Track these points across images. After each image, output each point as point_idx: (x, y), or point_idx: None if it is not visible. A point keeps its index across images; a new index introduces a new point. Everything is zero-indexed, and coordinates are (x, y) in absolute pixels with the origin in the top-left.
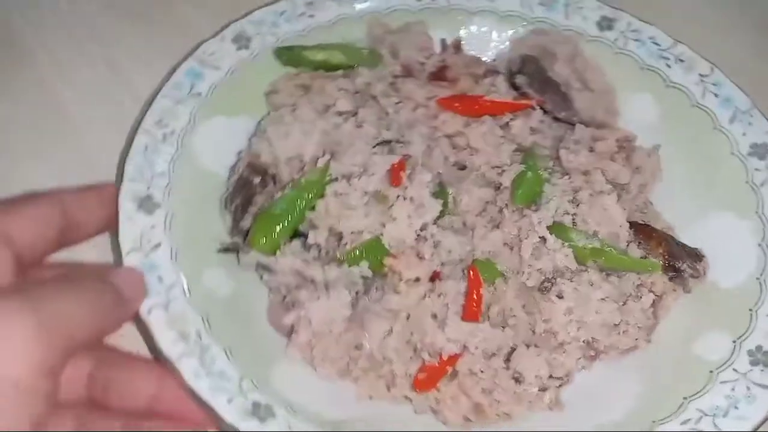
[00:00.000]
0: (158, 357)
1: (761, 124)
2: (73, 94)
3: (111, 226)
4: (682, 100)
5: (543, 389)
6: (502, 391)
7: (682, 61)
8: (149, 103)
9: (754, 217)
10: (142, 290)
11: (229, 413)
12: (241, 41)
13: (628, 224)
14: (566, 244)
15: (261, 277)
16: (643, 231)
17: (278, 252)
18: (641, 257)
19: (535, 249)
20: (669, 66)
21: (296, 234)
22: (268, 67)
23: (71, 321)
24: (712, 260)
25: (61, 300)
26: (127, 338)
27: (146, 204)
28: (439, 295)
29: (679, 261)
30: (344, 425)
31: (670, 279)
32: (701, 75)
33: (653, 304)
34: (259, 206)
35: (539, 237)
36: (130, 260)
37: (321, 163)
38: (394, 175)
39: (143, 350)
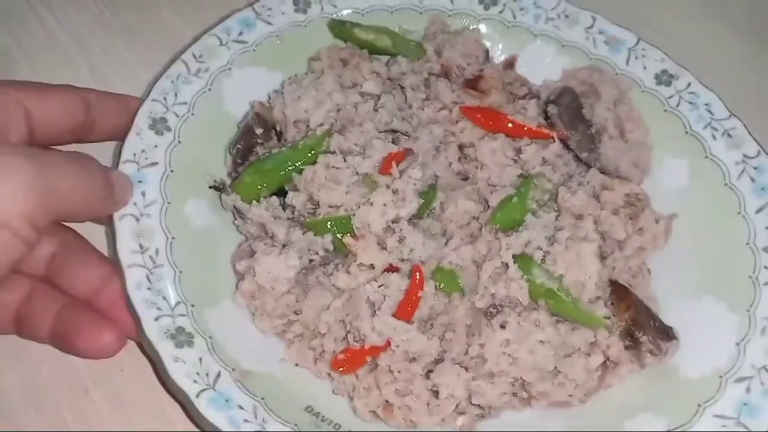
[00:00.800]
0: (115, 260)
1: None
2: None
3: (123, 136)
4: (716, 176)
5: (460, 412)
6: (414, 398)
7: (729, 136)
8: (197, 38)
9: (744, 314)
10: (128, 195)
11: (150, 328)
12: (300, 4)
13: (607, 281)
14: (525, 276)
15: (234, 221)
16: (618, 291)
17: (255, 202)
18: (605, 317)
19: (494, 273)
20: (714, 138)
21: (281, 191)
22: (318, 34)
23: (64, 189)
24: (685, 344)
25: (60, 168)
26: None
27: (159, 124)
28: (380, 285)
29: (642, 332)
30: (253, 377)
31: (626, 348)
32: (745, 156)
33: (603, 369)
34: (257, 156)
35: (502, 262)
36: (124, 168)
37: (320, 131)
38: (386, 163)
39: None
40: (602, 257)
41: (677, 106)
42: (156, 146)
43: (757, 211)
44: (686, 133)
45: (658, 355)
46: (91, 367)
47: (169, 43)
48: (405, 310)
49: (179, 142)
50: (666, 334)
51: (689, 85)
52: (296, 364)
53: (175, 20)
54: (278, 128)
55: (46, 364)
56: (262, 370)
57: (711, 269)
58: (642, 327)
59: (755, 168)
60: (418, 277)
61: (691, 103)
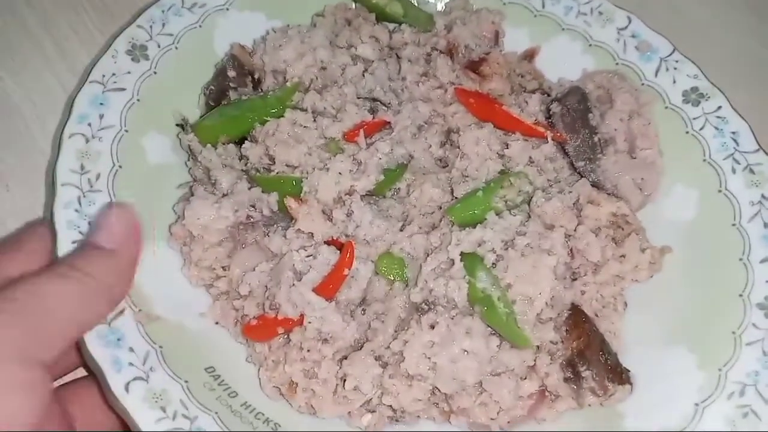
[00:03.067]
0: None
1: None
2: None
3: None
4: (726, 214)
5: (370, 410)
6: (320, 383)
7: (752, 172)
8: None
9: (714, 372)
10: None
11: (64, 248)
12: None
13: (568, 304)
14: (467, 278)
15: (187, 161)
16: (575, 317)
17: (210, 145)
18: (551, 341)
19: (439, 267)
20: (734, 171)
21: (244, 141)
22: None
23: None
24: (639, 393)
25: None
26: None
27: (137, 51)
28: (309, 255)
29: (586, 366)
30: (159, 323)
31: (565, 380)
32: (764, 197)
33: (538, 398)
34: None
35: (448, 258)
36: (88, 89)
37: (290, 83)
38: (352, 131)
39: None
40: (572, 278)
41: (701, 129)
42: (128, 72)
43: (762, 261)
44: (704, 160)
45: (600, 396)
46: None
47: None
48: (326, 287)
49: (155, 72)
50: (618, 375)
51: (719, 108)
52: (216, 322)
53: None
54: (256, 75)
55: None
56: (174, 318)
57: (692, 316)
58: (588, 361)
59: None
60: (348, 254)
61: (717, 128)
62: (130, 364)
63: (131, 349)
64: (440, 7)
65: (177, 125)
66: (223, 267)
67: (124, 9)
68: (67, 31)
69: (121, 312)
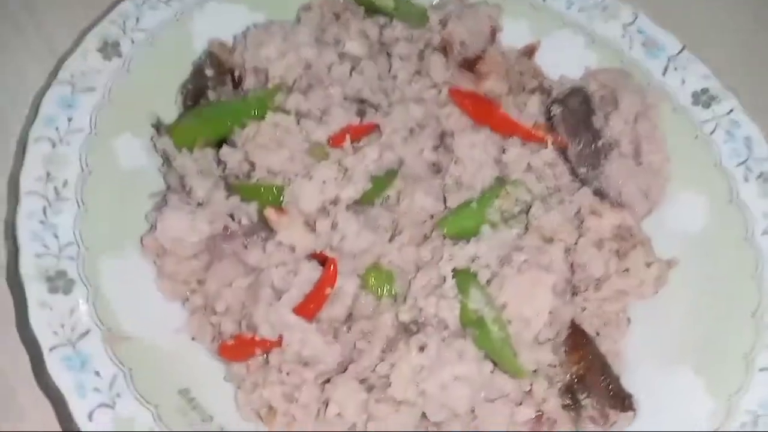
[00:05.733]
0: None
1: None
2: None
3: None
4: (737, 226)
5: None
6: (300, 409)
7: (766, 181)
8: None
9: (725, 400)
10: None
11: (27, 265)
12: None
13: (568, 322)
14: (460, 296)
15: (161, 167)
16: (575, 338)
17: (186, 150)
18: (549, 363)
19: (429, 284)
20: (746, 179)
21: (223, 143)
22: None
23: None
24: (642, 420)
25: None
26: None
27: (110, 48)
28: (289, 272)
29: (586, 394)
30: (129, 343)
31: (563, 407)
32: None
33: (535, 425)
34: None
35: (439, 274)
36: (56, 89)
37: (272, 83)
38: (338, 135)
39: None
40: (572, 293)
41: (711, 133)
42: (99, 71)
43: None
44: (714, 167)
45: (601, 425)
46: None
47: None
48: (306, 308)
49: (128, 71)
50: (621, 401)
51: (731, 111)
52: (193, 338)
53: None
54: (237, 74)
55: None
56: (146, 337)
57: (700, 336)
58: (589, 388)
59: None
60: (330, 272)
61: (728, 132)
62: (95, 389)
63: (97, 373)
64: (434, 0)
65: (152, 127)
66: (198, 281)
67: None
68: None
69: (86, 333)
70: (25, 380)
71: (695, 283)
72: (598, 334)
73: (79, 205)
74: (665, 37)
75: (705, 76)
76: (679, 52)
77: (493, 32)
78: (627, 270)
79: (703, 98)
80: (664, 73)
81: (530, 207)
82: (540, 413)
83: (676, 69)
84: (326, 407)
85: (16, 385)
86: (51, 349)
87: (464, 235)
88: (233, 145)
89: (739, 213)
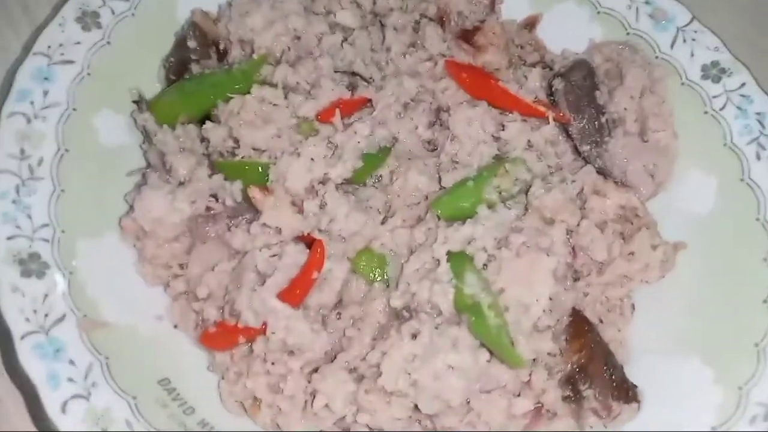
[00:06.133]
0: None
1: None
2: None
3: None
4: (748, 206)
5: (345, 429)
6: (286, 399)
7: None
8: None
9: (735, 391)
10: None
11: None
12: None
13: (569, 309)
14: (454, 281)
15: (142, 143)
16: (576, 326)
17: (166, 126)
18: (549, 352)
19: (423, 268)
20: (758, 157)
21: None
22: None
23: None
24: (647, 413)
25: None
26: None
27: (88, 18)
28: (273, 255)
29: (588, 384)
30: (106, 330)
31: (564, 399)
32: None
33: (534, 417)
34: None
35: (433, 257)
36: (32, 61)
37: (257, 55)
38: (328, 110)
39: None
40: (573, 278)
41: (721, 109)
42: (78, 43)
43: None
44: (724, 145)
45: (604, 417)
46: None
47: None
48: (292, 293)
49: (108, 43)
50: (625, 393)
51: (743, 85)
52: (175, 326)
53: None
54: (221, 46)
55: None
56: (125, 324)
57: (708, 324)
58: (591, 378)
59: None
60: (317, 255)
61: (739, 108)
62: (69, 379)
63: (71, 362)
64: None
65: (133, 102)
66: (180, 265)
67: None
68: None
69: (61, 319)
70: None
71: (704, 267)
72: (601, 321)
73: (55, 185)
74: (674, 7)
75: (716, 48)
76: (689, 23)
77: (493, 2)
78: (632, 253)
79: (713, 72)
80: (672, 46)
81: (530, 186)
82: (539, 405)
83: (684, 41)
84: (313, 399)
85: None
86: (23, 337)
87: (460, 216)
88: (217, 120)
89: (750, 193)
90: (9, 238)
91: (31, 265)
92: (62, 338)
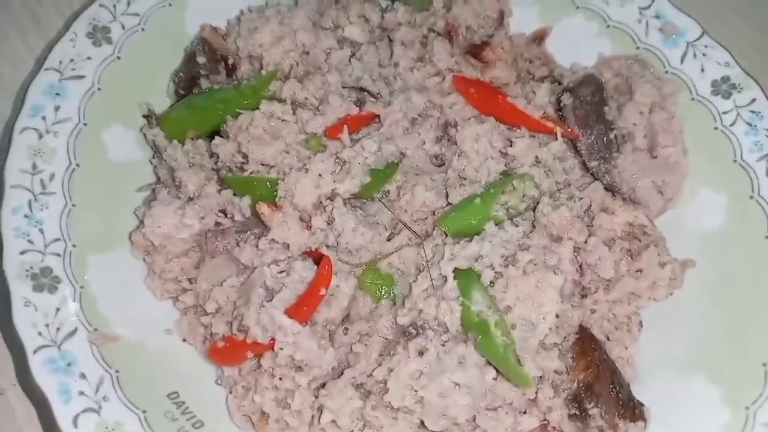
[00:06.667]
0: None
1: None
2: None
3: None
4: (759, 224)
5: None
6: (294, 414)
7: None
8: None
9: (741, 411)
10: None
11: (11, 261)
12: None
13: (576, 326)
14: (461, 299)
15: (152, 159)
16: (583, 344)
17: (176, 141)
18: (555, 370)
19: (429, 286)
20: None
21: (216, 134)
22: None
23: None
24: (655, 424)
25: None
26: None
27: (99, 33)
28: (281, 271)
29: (594, 403)
30: (117, 344)
31: (570, 417)
32: None
33: None
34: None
35: (440, 274)
36: (43, 77)
37: (266, 71)
38: (336, 126)
39: None
40: (581, 295)
41: (731, 125)
42: (89, 58)
43: None
44: (734, 161)
45: None
46: None
47: None
48: (299, 309)
49: (118, 58)
50: (631, 411)
51: (753, 101)
52: (184, 340)
53: None
54: (230, 61)
55: None
56: (135, 337)
57: (716, 342)
58: (597, 396)
59: None
60: (325, 272)
61: (750, 124)
62: (81, 393)
63: (83, 375)
64: None
65: (143, 117)
66: (189, 279)
67: None
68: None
69: (72, 333)
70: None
71: (712, 285)
72: (608, 338)
73: (66, 200)
74: (684, 21)
75: (726, 64)
76: (699, 38)
77: (501, 16)
78: (639, 271)
79: (724, 87)
80: (682, 61)
81: (537, 203)
82: (545, 423)
83: (695, 56)
84: (320, 414)
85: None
86: (35, 351)
87: (467, 233)
88: (225, 135)
89: (759, 210)
90: (22, 253)
91: (43, 280)
92: (74, 352)
